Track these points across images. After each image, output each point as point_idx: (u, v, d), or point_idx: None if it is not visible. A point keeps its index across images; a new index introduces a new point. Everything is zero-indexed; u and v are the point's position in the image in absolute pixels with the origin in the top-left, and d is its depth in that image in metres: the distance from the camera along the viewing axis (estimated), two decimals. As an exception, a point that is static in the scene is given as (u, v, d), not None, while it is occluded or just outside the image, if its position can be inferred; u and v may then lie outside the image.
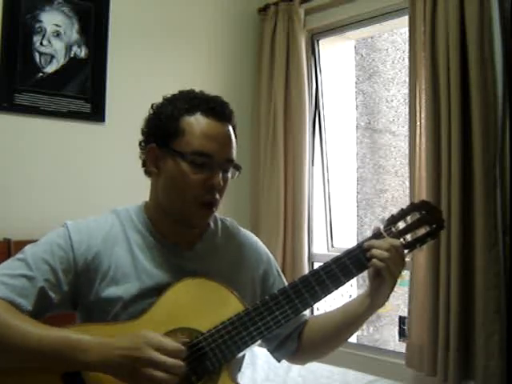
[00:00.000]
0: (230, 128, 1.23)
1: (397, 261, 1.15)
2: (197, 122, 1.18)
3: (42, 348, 1.04)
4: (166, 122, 1.20)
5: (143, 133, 1.27)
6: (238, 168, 1.24)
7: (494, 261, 2.14)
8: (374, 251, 1.15)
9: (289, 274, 2.84)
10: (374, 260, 1.15)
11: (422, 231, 1.19)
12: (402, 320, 3.02)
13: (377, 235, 1.19)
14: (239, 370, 1.34)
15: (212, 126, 1.19)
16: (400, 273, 1.17)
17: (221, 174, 1.19)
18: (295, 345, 1.36)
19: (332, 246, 3.11)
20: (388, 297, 1.19)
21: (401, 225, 1.19)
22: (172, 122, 1.19)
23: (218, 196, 1.20)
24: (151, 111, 1.26)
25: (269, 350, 1.40)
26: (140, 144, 1.27)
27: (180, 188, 1.18)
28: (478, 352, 2.15)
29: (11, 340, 1.05)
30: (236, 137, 1.25)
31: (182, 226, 1.24)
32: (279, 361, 1.41)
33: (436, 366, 2.26)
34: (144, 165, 1.27)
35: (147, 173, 1.27)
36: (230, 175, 1.23)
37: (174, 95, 1.25)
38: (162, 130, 1.21)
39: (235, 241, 1.35)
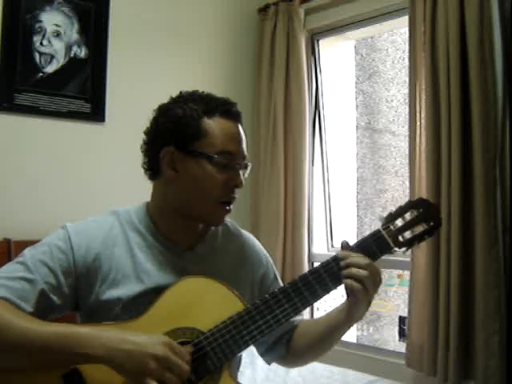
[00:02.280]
0: (241, 127, 1.26)
1: (374, 279, 1.13)
2: (217, 125, 1.21)
3: (44, 343, 1.04)
4: (184, 125, 1.20)
5: (150, 136, 1.25)
6: (247, 167, 1.27)
7: (493, 260, 2.14)
8: (351, 270, 1.13)
9: (289, 274, 2.84)
10: (349, 281, 1.13)
11: (419, 229, 1.19)
12: (402, 320, 3.03)
13: (375, 234, 1.19)
14: (238, 368, 1.34)
15: (231, 127, 1.22)
16: (375, 292, 1.15)
17: (241, 173, 1.23)
18: (284, 349, 1.36)
19: (332, 246, 3.11)
20: (366, 310, 1.18)
21: (399, 222, 1.19)
22: (192, 124, 1.19)
23: (237, 194, 1.24)
24: (159, 113, 1.25)
25: (259, 353, 1.40)
26: (143, 146, 1.26)
27: (204, 188, 1.20)
28: (478, 352, 2.15)
29: (12, 338, 1.04)
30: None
31: (186, 224, 1.25)
32: (269, 364, 1.41)
33: (436, 366, 2.26)
34: (148, 168, 1.26)
35: (151, 175, 1.26)
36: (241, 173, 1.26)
37: (183, 97, 1.25)
38: (180, 132, 1.20)
39: (236, 242, 1.35)
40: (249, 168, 1.28)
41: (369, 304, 1.16)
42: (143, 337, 1.05)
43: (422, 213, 1.19)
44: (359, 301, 1.15)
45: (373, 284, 1.13)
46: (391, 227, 1.18)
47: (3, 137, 2.35)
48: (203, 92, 1.27)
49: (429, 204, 1.21)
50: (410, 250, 1.23)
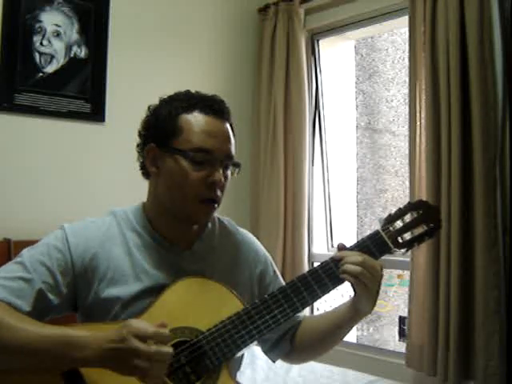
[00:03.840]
0: (228, 125, 1.24)
1: (370, 276, 1.13)
2: (195, 120, 1.19)
3: (40, 346, 1.03)
4: (164, 122, 1.21)
5: (141, 135, 1.27)
6: (237, 165, 1.24)
7: (493, 261, 2.14)
8: (346, 266, 1.14)
9: (289, 273, 2.84)
10: (345, 275, 1.15)
11: (419, 230, 1.19)
12: (402, 320, 3.03)
13: (374, 235, 1.19)
14: (239, 368, 1.34)
15: (210, 122, 1.20)
16: (377, 286, 1.15)
17: (221, 171, 1.19)
18: (289, 346, 1.36)
19: (332, 246, 3.11)
20: (373, 305, 1.18)
21: (398, 224, 1.19)
22: (170, 121, 1.20)
23: (219, 193, 1.20)
24: (148, 113, 1.27)
25: (263, 350, 1.40)
26: (138, 146, 1.28)
27: (181, 186, 1.18)
28: (478, 352, 2.15)
29: (8, 340, 1.04)
30: (234, 135, 1.25)
31: (182, 224, 1.24)
32: (274, 361, 1.41)
33: (436, 366, 2.26)
34: (142, 167, 1.27)
35: (145, 174, 1.28)
36: (229, 172, 1.24)
37: (171, 96, 1.26)
38: (160, 129, 1.21)
39: (233, 240, 1.35)
40: (237, 169, 1.24)
41: (373, 299, 1.17)
42: (117, 331, 1.01)
43: (422, 214, 1.20)
44: (361, 296, 1.16)
45: (370, 279, 1.13)
46: (390, 228, 1.19)
47: (3, 137, 2.35)
48: (194, 91, 1.26)
49: (429, 206, 1.21)
50: (409, 251, 1.23)
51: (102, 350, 1.00)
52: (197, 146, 1.17)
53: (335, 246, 3.10)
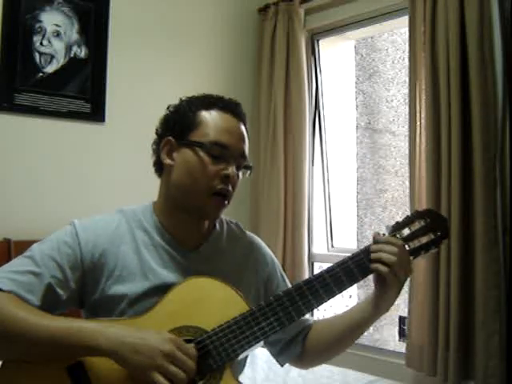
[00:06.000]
0: (243, 127, 1.27)
1: (404, 266, 1.15)
2: (213, 116, 1.23)
3: (49, 337, 1.05)
4: (182, 116, 1.24)
5: (157, 132, 1.30)
6: (249, 167, 1.27)
7: (493, 261, 2.14)
8: (380, 254, 1.15)
9: (289, 274, 2.84)
10: (378, 265, 1.15)
11: (426, 239, 1.20)
12: (402, 320, 3.02)
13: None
14: (241, 372, 1.33)
15: (227, 120, 1.24)
16: (405, 278, 1.17)
17: (235, 168, 1.22)
18: (299, 349, 1.36)
19: (332, 246, 3.11)
20: (393, 302, 1.19)
21: (406, 232, 1.20)
22: (189, 116, 1.24)
23: (230, 188, 1.22)
24: (167, 111, 1.30)
25: (272, 354, 1.40)
26: (153, 143, 1.30)
27: (195, 177, 1.20)
28: (478, 352, 2.15)
29: (19, 331, 1.06)
30: (248, 139, 1.28)
31: (193, 221, 1.25)
32: (282, 365, 1.41)
33: (436, 366, 2.26)
34: (155, 163, 1.29)
35: (158, 171, 1.29)
36: (241, 173, 1.26)
37: (190, 96, 1.30)
38: (179, 123, 1.25)
39: (240, 243, 1.36)
40: (249, 171, 1.27)
41: (399, 291, 1.17)
42: (150, 332, 1.06)
43: (430, 223, 1.20)
44: (389, 288, 1.16)
45: (404, 272, 1.15)
46: (398, 236, 1.19)
47: (3, 137, 2.36)
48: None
49: (437, 215, 1.22)
50: (416, 259, 1.23)
51: (127, 344, 1.03)
52: (214, 140, 1.20)
53: (335, 245, 3.11)
